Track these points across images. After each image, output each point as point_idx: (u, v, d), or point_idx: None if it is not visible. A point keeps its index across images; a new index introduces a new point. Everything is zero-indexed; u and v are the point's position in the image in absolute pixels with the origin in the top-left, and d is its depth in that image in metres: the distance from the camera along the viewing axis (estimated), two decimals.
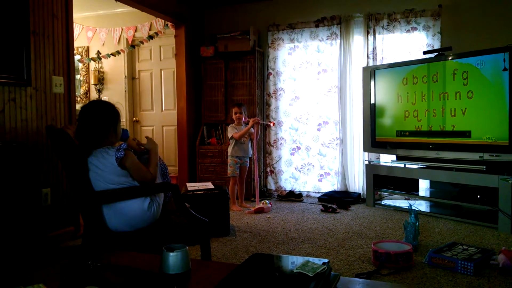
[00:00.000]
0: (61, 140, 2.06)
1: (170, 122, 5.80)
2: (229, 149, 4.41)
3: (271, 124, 4.82)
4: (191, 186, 3.67)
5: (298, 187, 5.13)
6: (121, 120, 2.30)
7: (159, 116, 5.90)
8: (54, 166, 3.18)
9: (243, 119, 4.39)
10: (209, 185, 3.72)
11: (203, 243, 2.21)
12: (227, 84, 5.07)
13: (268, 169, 5.25)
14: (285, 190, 5.11)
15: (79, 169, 2.05)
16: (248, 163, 4.46)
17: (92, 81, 6.03)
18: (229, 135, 4.37)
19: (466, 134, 3.69)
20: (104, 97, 6.01)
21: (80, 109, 2.15)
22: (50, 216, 3.17)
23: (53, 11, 3.19)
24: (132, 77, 6.02)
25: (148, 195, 2.17)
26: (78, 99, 6.06)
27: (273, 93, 5.19)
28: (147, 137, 2.39)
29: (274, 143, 5.21)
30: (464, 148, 3.70)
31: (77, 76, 6.09)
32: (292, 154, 5.16)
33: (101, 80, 6.06)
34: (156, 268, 1.44)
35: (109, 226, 2.10)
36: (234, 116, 4.41)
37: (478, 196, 3.78)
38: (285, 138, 5.18)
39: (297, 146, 5.13)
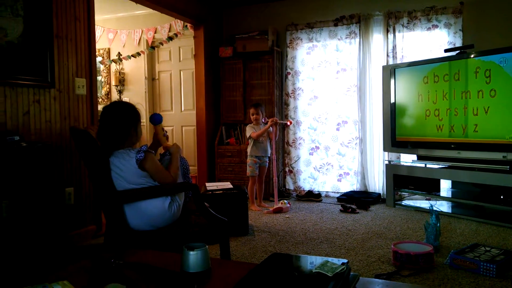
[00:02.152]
0: (84, 140, 2.10)
1: (189, 122, 5.85)
2: (248, 149, 4.43)
3: (288, 123, 4.81)
4: (210, 185, 3.70)
5: (317, 187, 5.11)
6: (141, 121, 2.34)
7: (179, 116, 5.96)
8: (77, 166, 3.26)
9: (262, 119, 4.41)
10: (228, 184, 3.74)
11: (223, 242, 2.23)
12: (245, 84, 5.09)
13: (287, 169, 5.25)
14: (304, 190, 5.11)
15: (102, 169, 2.09)
16: (267, 163, 4.48)
17: (113, 82, 6.13)
18: (247, 134, 4.40)
19: (489, 133, 3.63)
20: (125, 98, 6.10)
21: (101, 110, 2.19)
22: (73, 215, 3.24)
23: (75, 14, 3.26)
24: (152, 78, 6.10)
25: (169, 195, 2.19)
26: (100, 100, 6.17)
27: (291, 93, 5.19)
28: (174, 143, 2.43)
29: (292, 143, 5.21)
30: (487, 148, 3.63)
31: (99, 78, 6.20)
32: (310, 154, 5.15)
33: (122, 81, 6.15)
34: (177, 267, 1.46)
35: (130, 225, 2.13)
36: (251, 118, 4.43)
37: (501, 197, 3.70)
38: (304, 138, 5.17)
39: (315, 146, 5.12)
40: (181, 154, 2.44)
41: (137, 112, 2.22)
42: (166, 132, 2.48)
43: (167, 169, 2.23)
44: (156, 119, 2.39)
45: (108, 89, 6.24)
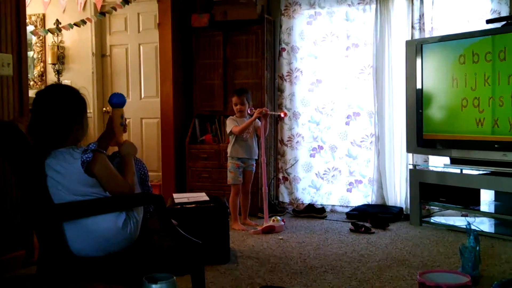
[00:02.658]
0: (10, 137, 2.07)
1: (151, 113, 5.81)
2: (229, 149, 4.44)
3: (282, 115, 4.82)
4: (179, 197, 3.69)
5: (320, 200, 5.13)
6: (88, 111, 2.33)
7: (137, 105, 5.91)
8: (0, 171, 3.22)
9: (247, 110, 4.42)
10: (202, 196, 3.73)
11: (195, 272, 2.22)
12: (226, 63, 5.08)
13: (281, 176, 5.25)
14: (303, 203, 5.12)
15: (34, 174, 2.06)
16: (253, 168, 4.49)
17: (49, 60, 6.06)
18: (228, 129, 4.41)
19: None
20: (65, 81, 6.03)
21: (34, 96, 2.16)
22: None
23: None
24: (101, 55, 6.05)
25: (124, 209, 2.18)
26: (32, 83, 6.09)
27: (287, 76, 5.19)
28: (126, 141, 2.40)
29: (288, 141, 5.21)
30: None
31: (30, 53, 6.12)
32: (312, 155, 5.17)
33: (61, 58, 6.09)
34: None
35: (72, 249, 2.11)
36: (234, 109, 4.45)
37: None
38: (303, 135, 5.18)
39: (318, 145, 5.14)
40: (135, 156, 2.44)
41: (82, 99, 2.20)
42: (125, 120, 2.46)
43: (121, 175, 2.22)
44: (118, 100, 2.37)
45: (42, 69, 6.17)
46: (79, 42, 6.07)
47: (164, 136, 5.23)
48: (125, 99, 2.41)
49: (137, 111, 5.91)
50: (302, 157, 5.19)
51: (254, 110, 4.36)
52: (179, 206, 3.45)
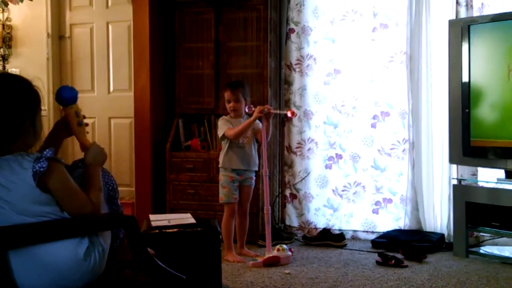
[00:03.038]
0: None
1: (122, 111, 5.80)
2: (221, 157, 4.44)
3: (289, 114, 4.78)
4: (158, 219, 3.66)
5: (338, 223, 5.13)
6: (42, 108, 2.31)
7: (104, 101, 5.91)
8: None
9: (244, 108, 4.42)
10: (187, 218, 3.70)
11: None
12: (219, 48, 5.09)
13: (288, 192, 5.25)
14: (316, 228, 5.12)
15: None
16: (253, 182, 4.50)
17: None
18: (220, 132, 4.41)
19: None
20: (13, 69, 6.00)
21: None
22: None
23: None
24: (59, 36, 6.05)
25: (86, 234, 2.17)
26: None
27: (296, 64, 5.19)
28: (93, 143, 2.41)
29: (297, 148, 5.22)
30: None
31: None
32: (328, 166, 5.17)
33: (7, 40, 6.07)
34: None
35: (19, 285, 2.09)
36: (227, 106, 4.46)
37: None
38: (317, 140, 5.18)
39: (336, 154, 5.14)
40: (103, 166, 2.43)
41: (35, 92, 2.18)
42: (84, 118, 2.46)
43: (83, 190, 2.21)
44: (66, 95, 2.37)
45: None
46: (31, 20, 6.05)
47: (138, 140, 5.24)
48: (77, 92, 2.42)
49: (104, 109, 5.90)
50: (316, 169, 5.19)
51: (253, 109, 4.35)
52: (157, 231, 3.42)
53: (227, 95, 4.45)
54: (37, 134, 2.21)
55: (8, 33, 6.10)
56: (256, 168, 4.50)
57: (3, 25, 6.07)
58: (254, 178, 4.50)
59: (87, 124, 2.48)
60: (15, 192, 2.07)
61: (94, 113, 5.90)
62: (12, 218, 2.07)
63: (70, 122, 2.40)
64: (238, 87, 4.44)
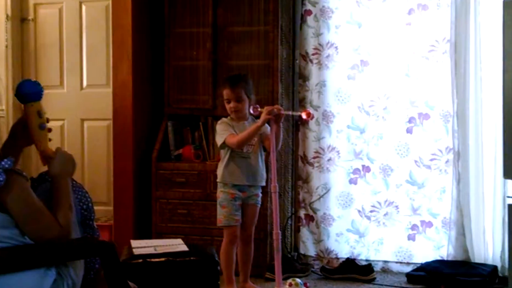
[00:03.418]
0: None
1: (98, 112, 5.86)
2: (219, 170, 4.43)
3: (304, 116, 4.58)
4: (142, 246, 3.72)
5: (365, 252, 5.16)
6: None
7: (76, 99, 5.98)
8: None
9: (248, 109, 4.38)
10: (178, 244, 3.76)
11: None
12: (217, 33, 5.15)
13: (302, 213, 5.30)
14: (338, 258, 5.15)
15: None
16: (259, 200, 4.48)
17: None
18: (219, 139, 4.37)
19: None
20: None
21: None
22: None
23: None
24: (21, 19, 6.10)
25: (54, 264, 2.23)
26: None
27: (314, 54, 5.24)
28: (58, 149, 2.47)
29: (315, 158, 5.27)
30: None
31: None
32: (352, 181, 5.21)
33: None
34: None
35: None
36: (226, 107, 4.41)
37: None
38: (339, 148, 5.23)
39: (363, 166, 5.19)
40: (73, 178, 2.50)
41: None
42: (47, 121, 2.52)
43: (49, 210, 2.27)
44: (28, 90, 2.44)
45: None
46: None
47: (118, 148, 5.29)
48: (41, 88, 2.49)
49: (76, 109, 5.97)
50: (337, 184, 5.23)
51: (260, 109, 4.29)
52: (140, 260, 3.46)
53: (226, 93, 4.39)
54: None
55: None
56: (263, 183, 4.48)
57: None
58: (260, 195, 4.47)
59: (50, 130, 2.52)
60: None
61: (63, 114, 5.96)
62: None
63: (29, 124, 2.45)
64: (239, 83, 4.38)
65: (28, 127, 2.46)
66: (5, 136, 2.50)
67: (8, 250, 2.16)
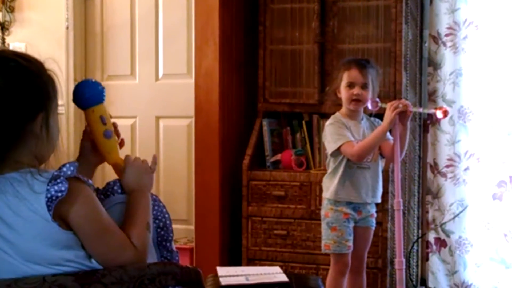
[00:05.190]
0: None
1: (177, 108, 5.94)
2: (330, 184, 4.37)
3: (439, 114, 4.58)
4: (230, 274, 3.67)
5: None
6: (59, 103, 2.30)
7: (151, 92, 6.06)
8: None
9: (368, 103, 4.32)
10: (275, 273, 3.69)
11: None
12: (325, 9, 5.13)
13: (432, 237, 5.24)
14: None
15: None
16: (374, 222, 4.46)
17: None
18: (331, 145, 4.32)
19: None
20: (16, 44, 6.22)
21: None
22: None
23: None
24: None
25: None
26: None
27: (447, 35, 5.19)
28: (127, 158, 2.45)
29: (448, 167, 5.21)
30: None
31: None
32: (497, 196, 5.11)
33: (8, 0, 6.24)
34: None
35: None
36: (346, 94, 4.32)
37: None
38: (479, 155, 5.14)
39: (510, 177, 5.08)
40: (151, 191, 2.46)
41: (49, 79, 2.21)
42: (115, 126, 2.50)
43: (121, 228, 2.25)
44: (86, 92, 2.42)
45: None
46: None
47: (201, 153, 5.31)
48: (103, 88, 2.46)
49: (150, 104, 6.06)
50: (477, 200, 5.14)
51: (381, 105, 4.29)
52: None
53: (350, 75, 4.31)
54: (52, 139, 2.21)
55: None
56: (379, 200, 4.46)
57: None
58: (375, 215, 4.46)
59: (119, 136, 2.52)
60: (21, 229, 2.10)
61: (134, 110, 6.06)
62: (15, 267, 2.12)
63: (93, 134, 2.46)
64: (368, 66, 4.36)
65: (93, 138, 2.48)
66: (67, 139, 2.49)
67: (72, 275, 2.14)
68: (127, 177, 2.42)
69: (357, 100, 4.29)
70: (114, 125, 2.51)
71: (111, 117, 2.47)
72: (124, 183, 2.42)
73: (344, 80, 4.33)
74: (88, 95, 2.43)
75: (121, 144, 2.50)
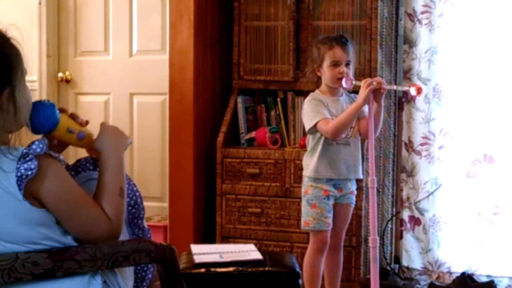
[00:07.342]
0: None
1: (150, 84, 5.93)
2: (310, 161, 4.39)
3: (413, 91, 4.56)
4: (204, 252, 3.73)
5: (485, 265, 5.08)
6: (28, 79, 2.23)
7: (124, 68, 6.04)
8: None
9: (343, 82, 4.25)
10: (249, 251, 3.78)
11: None
12: None
13: (407, 215, 5.26)
14: (451, 272, 5.11)
15: None
16: (354, 199, 4.48)
17: None
18: (309, 121, 4.33)
19: None
20: None
21: None
22: None
23: None
24: None
25: (99, 270, 2.20)
26: None
27: (423, 12, 5.18)
28: (102, 124, 2.43)
29: (423, 145, 5.22)
30: None
31: None
32: (471, 175, 5.13)
33: None
34: None
35: None
36: (331, 73, 4.30)
37: None
38: (454, 134, 5.16)
39: (485, 155, 5.09)
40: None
41: (17, 52, 2.18)
42: (86, 123, 2.45)
43: (94, 197, 2.25)
44: (44, 120, 2.28)
45: None
46: None
47: (175, 130, 5.30)
48: (55, 111, 2.29)
49: (124, 81, 6.05)
50: (452, 178, 5.16)
51: (355, 82, 4.27)
52: (203, 270, 3.48)
53: (335, 53, 4.30)
54: (20, 113, 2.17)
55: None
56: (361, 176, 4.48)
57: None
58: (355, 192, 4.46)
59: (84, 121, 2.44)
60: None
61: (108, 87, 6.06)
62: None
63: (67, 142, 2.43)
64: (349, 43, 4.36)
65: (68, 144, 2.44)
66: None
67: (47, 253, 2.14)
68: (101, 137, 2.36)
69: (340, 79, 4.28)
70: (85, 122, 2.45)
71: (77, 117, 2.41)
72: (97, 143, 2.36)
73: (328, 59, 4.32)
74: (48, 121, 2.29)
75: (86, 123, 2.44)
